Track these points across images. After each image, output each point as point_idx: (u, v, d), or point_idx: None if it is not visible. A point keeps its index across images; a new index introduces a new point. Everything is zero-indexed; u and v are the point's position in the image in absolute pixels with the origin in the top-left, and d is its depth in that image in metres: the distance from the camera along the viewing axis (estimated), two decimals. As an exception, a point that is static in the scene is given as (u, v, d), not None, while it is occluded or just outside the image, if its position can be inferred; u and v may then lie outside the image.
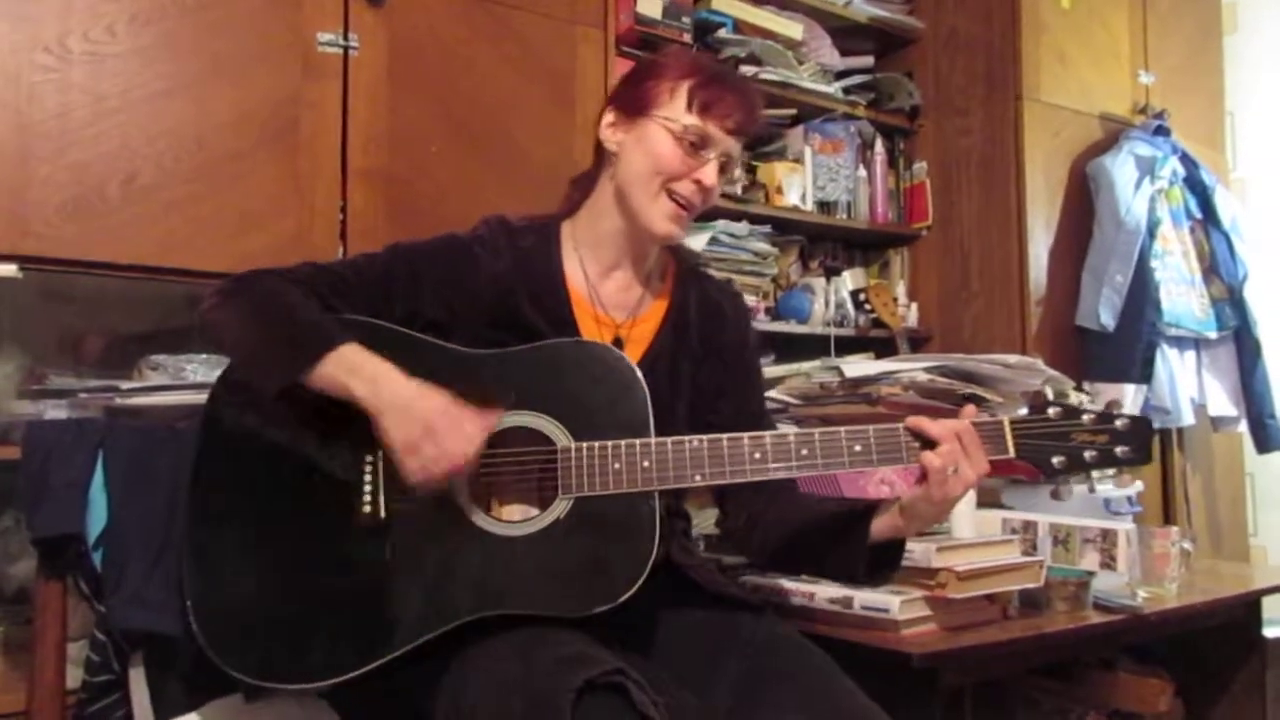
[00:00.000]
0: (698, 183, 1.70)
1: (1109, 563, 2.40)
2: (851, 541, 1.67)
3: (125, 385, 2.12)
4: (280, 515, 1.58)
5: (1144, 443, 1.59)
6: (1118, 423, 1.59)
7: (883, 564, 1.69)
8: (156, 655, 1.78)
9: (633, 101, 1.75)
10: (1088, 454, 1.58)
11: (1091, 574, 2.33)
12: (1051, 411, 1.60)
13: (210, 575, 1.55)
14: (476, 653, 1.45)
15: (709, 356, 1.84)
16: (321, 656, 1.51)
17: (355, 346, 1.53)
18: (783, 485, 1.80)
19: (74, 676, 1.82)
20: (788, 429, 2.46)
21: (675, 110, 1.70)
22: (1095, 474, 1.61)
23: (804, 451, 1.58)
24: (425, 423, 1.47)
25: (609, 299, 1.80)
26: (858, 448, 1.58)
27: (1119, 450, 1.59)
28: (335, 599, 1.53)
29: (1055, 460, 1.59)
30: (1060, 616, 2.23)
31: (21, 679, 1.85)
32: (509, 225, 1.81)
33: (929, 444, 1.56)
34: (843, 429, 1.59)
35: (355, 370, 1.51)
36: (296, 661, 1.51)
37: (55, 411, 2.08)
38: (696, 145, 1.69)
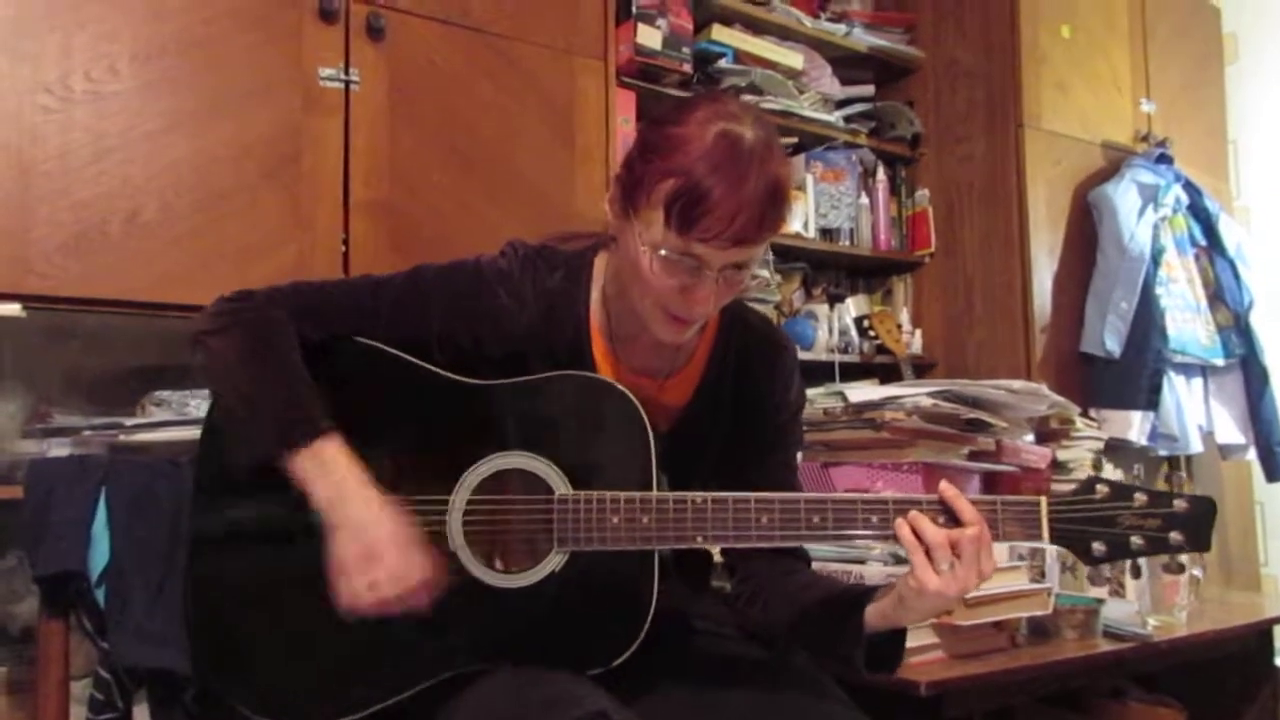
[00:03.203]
0: (690, 306, 1.46)
1: (1118, 590, 2.39)
2: (848, 631, 1.50)
3: (129, 422, 2.11)
4: (279, 557, 1.54)
5: (1203, 528, 1.41)
6: (1175, 504, 1.42)
7: (883, 658, 1.52)
8: (160, 692, 1.77)
9: (626, 186, 1.48)
10: (1134, 540, 1.42)
11: (1101, 602, 2.31)
12: (1099, 490, 1.44)
13: (213, 609, 1.53)
14: (466, 692, 1.42)
15: (742, 419, 1.68)
16: (317, 701, 1.49)
17: (334, 444, 1.44)
18: (792, 556, 1.70)
19: (78, 715, 1.82)
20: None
21: (654, 223, 1.42)
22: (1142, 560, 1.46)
23: (815, 519, 1.44)
24: (368, 549, 1.39)
25: (636, 358, 1.63)
26: (874, 519, 1.44)
27: (1172, 537, 1.41)
28: (331, 644, 1.50)
29: (1095, 547, 1.43)
30: (1069, 645, 2.22)
31: (26, 719, 1.84)
32: (535, 258, 1.64)
33: (956, 520, 1.42)
34: (859, 497, 1.46)
35: (323, 473, 1.43)
36: (293, 704, 1.50)
37: (59, 449, 2.08)
38: (683, 264, 1.42)
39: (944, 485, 1.44)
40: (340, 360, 1.58)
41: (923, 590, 1.39)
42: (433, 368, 1.57)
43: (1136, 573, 1.41)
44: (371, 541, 1.40)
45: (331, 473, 1.44)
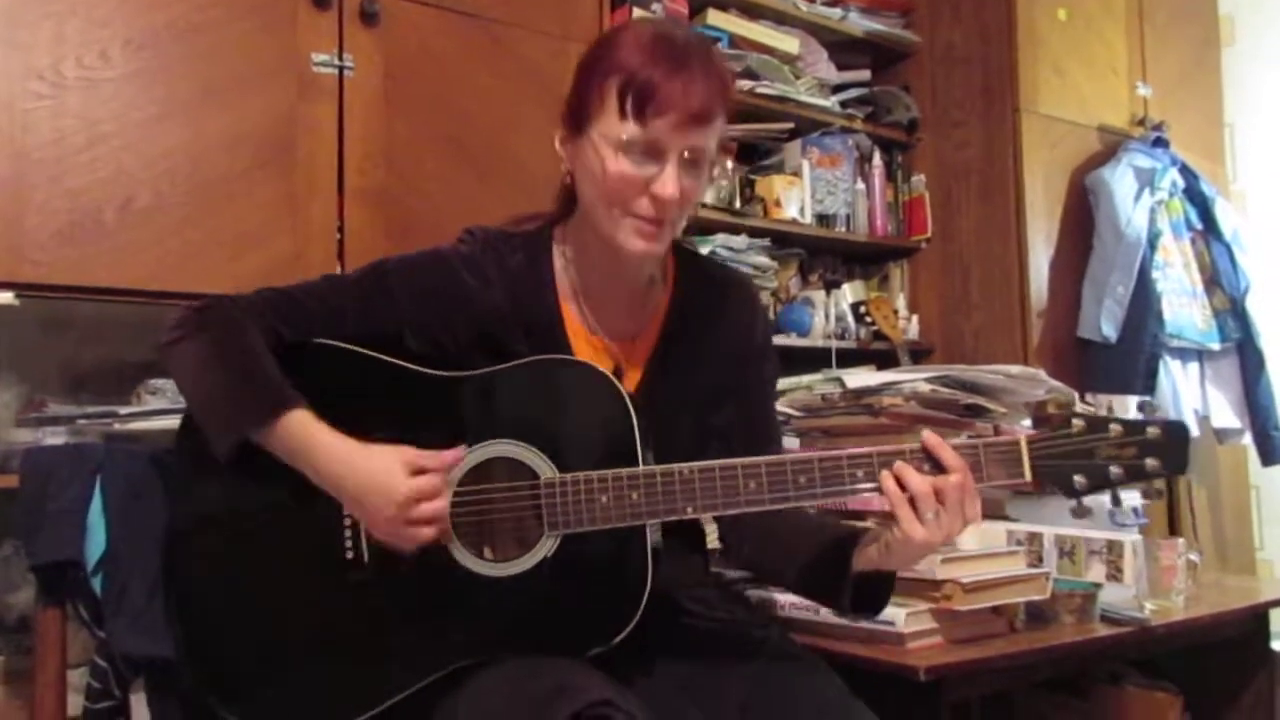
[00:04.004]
0: (656, 198, 1.48)
1: (1115, 575, 2.38)
2: (835, 572, 1.54)
3: (124, 410, 2.11)
4: (263, 562, 1.53)
5: (1178, 452, 1.45)
6: (1149, 431, 1.46)
7: (869, 598, 1.56)
8: (157, 680, 1.77)
9: (573, 113, 1.56)
10: (1113, 470, 1.45)
11: (1098, 586, 2.31)
12: (1075, 425, 1.47)
13: (197, 621, 1.53)
14: (467, 685, 1.41)
15: (711, 359, 1.70)
16: (312, 707, 1.49)
17: (301, 416, 1.44)
18: None
19: (75, 704, 1.81)
20: (790, 443, 2.46)
21: (609, 121, 1.48)
22: (1122, 490, 1.51)
23: (802, 479, 1.45)
24: (384, 503, 1.40)
25: (605, 321, 1.65)
26: (860, 474, 1.45)
27: (1149, 463, 1.45)
28: (323, 647, 1.50)
29: (1077, 480, 1.46)
30: (1067, 629, 2.21)
31: (23, 707, 1.85)
32: (495, 241, 1.66)
33: (940, 468, 1.44)
34: (844, 454, 1.46)
35: (294, 448, 1.44)
36: (288, 713, 1.50)
37: (54, 438, 2.07)
38: (645, 155, 1.47)
39: (926, 434, 1.46)
40: (315, 363, 1.57)
41: (908, 540, 1.41)
42: (407, 364, 1.57)
43: (1116, 501, 1.47)
44: (379, 498, 1.40)
45: (316, 441, 1.44)
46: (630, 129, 1.46)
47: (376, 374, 1.56)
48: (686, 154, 1.49)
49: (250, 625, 1.52)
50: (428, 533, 1.42)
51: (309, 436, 1.44)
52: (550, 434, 1.50)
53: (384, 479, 1.41)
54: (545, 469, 1.48)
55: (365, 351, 1.57)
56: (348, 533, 1.51)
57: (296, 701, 1.49)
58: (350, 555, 1.50)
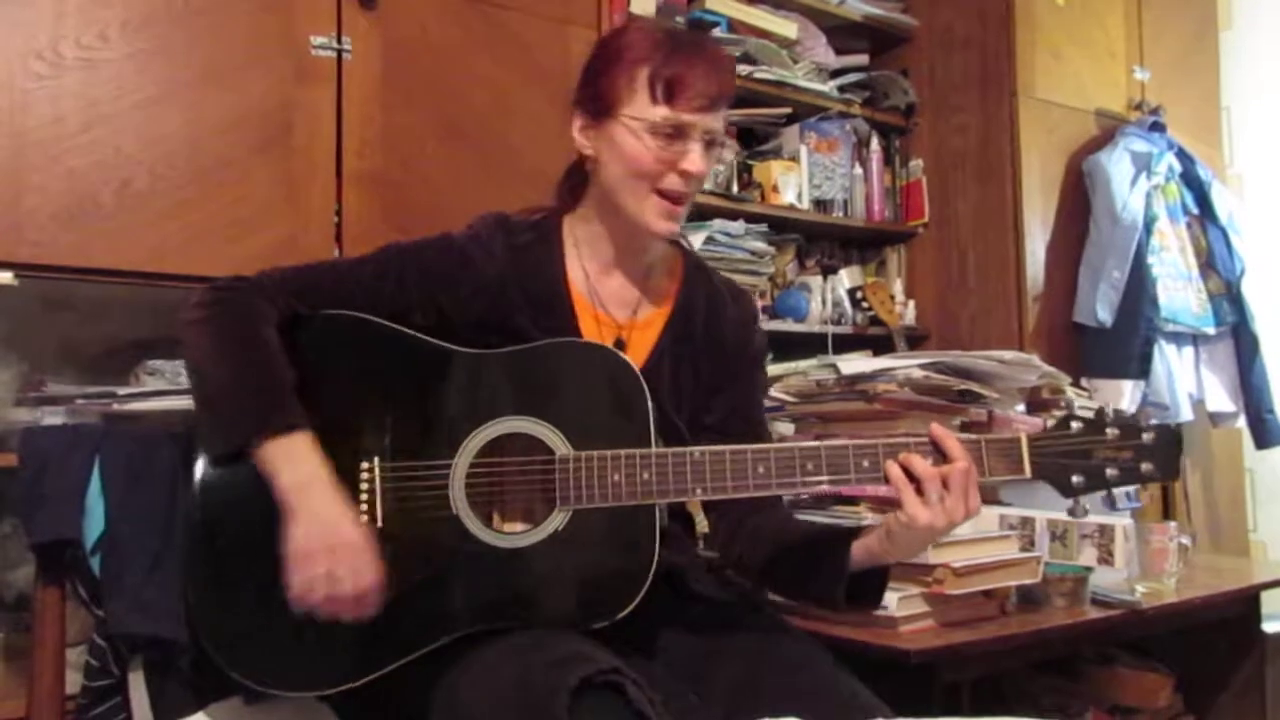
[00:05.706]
0: (684, 173, 1.61)
1: (1107, 558, 2.40)
2: (831, 567, 1.58)
3: (122, 391, 2.12)
4: (276, 525, 1.52)
5: (1171, 457, 1.53)
6: (1144, 436, 1.52)
7: (864, 593, 1.61)
8: (156, 659, 1.78)
9: (595, 102, 1.66)
10: (1110, 471, 1.52)
11: (1090, 570, 2.33)
12: (1074, 426, 1.54)
13: (212, 581, 1.55)
14: (472, 655, 1.44)
15: (709, 355, 1.77)
16: (321, 666, 1.50)
17: (305, 439, 1.48)
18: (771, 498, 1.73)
19: (73, 682, 1.82)
20: (785, 429, 2.47)
21: (640, 105, 1.60)
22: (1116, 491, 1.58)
23: (809, 466, 1.51)
24: (331, 542, 1.42)
25: (610, 297, 1.74)
26: (865, 463, 1.50)
27: (1144, 467, 1.52)
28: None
29: (1075, 479, 1.52)
30: (1058, 612, 2.23)
31: (21, 685, 1.85)
32: (506, 222, 1.75)
33: (944, 459, 1.49)
34: (850, 443, 1.52)
35: (292, 463, 1.46)
36: (297, 670, 1.51)
37: (52, 418, 2.08)
38: (672, 136, 1.59)
39: (933, 426, 1.52)
40: (341, 332, 1.62)
41: (913, 523, 1.46)
42: (433, 339, 1.62)
43: (1112, 503, 1.55)
44: (336, 536, 1.43)
45: (301, 464, 1.47)
46: (662, 112, 1.58)
47: (406, 346, 1.62)
48: (705, 134, 1.61)
49: (259, 585, 1.52)
50: (347, 588, 1.43)
51: (309, 457, 1.48)
52: (566, 413, 1.56)
53: (364, 532, 1.46)
54: (560, 446, 1.53)
55: (395, 326, 1.63)
56: (363, 496, 1.55)
57: (299, 661, 1.51)
58: (364, 519, 1.52)
